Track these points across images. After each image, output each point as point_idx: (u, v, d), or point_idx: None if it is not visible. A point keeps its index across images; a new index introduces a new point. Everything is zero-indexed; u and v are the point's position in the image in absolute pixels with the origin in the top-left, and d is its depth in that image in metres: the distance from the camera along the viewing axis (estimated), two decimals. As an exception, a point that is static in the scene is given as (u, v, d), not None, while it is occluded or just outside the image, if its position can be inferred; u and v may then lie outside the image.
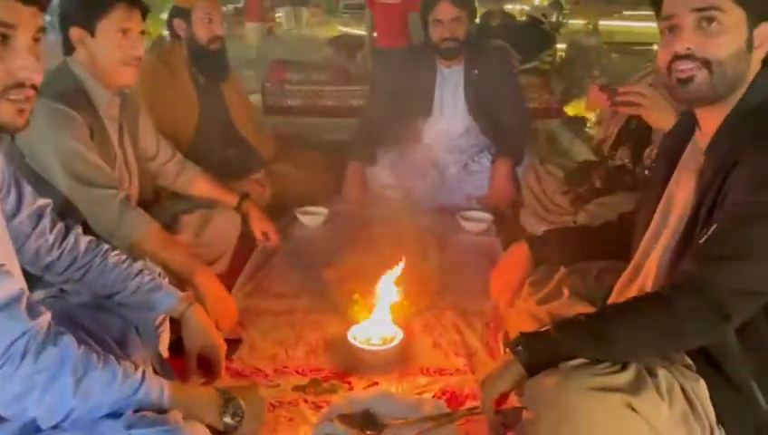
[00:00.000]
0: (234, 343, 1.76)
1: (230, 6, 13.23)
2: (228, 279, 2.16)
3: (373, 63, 4.69)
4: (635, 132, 2.14)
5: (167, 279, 1.53)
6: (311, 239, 2.54)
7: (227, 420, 1.19)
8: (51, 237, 1.33)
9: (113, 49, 1.75)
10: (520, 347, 1.26)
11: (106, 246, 1.45)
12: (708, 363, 1.23)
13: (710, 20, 1.18)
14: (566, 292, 1.60)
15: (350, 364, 1.68)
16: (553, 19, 7.21)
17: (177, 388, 1.17)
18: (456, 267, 2.19)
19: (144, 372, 1.12)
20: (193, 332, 1.47)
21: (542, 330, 1.30)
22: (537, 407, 1.21)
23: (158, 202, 2.17)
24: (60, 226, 1.37)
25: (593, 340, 1.22)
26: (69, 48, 1.78)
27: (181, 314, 1.47)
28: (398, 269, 1.77)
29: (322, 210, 2.68)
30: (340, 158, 2.98)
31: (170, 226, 2.06)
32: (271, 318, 1.94)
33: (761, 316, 1.19)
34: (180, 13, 2.49)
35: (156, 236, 1.76)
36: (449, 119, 2.92)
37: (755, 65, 1.23)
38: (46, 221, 1.32)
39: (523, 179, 2.59)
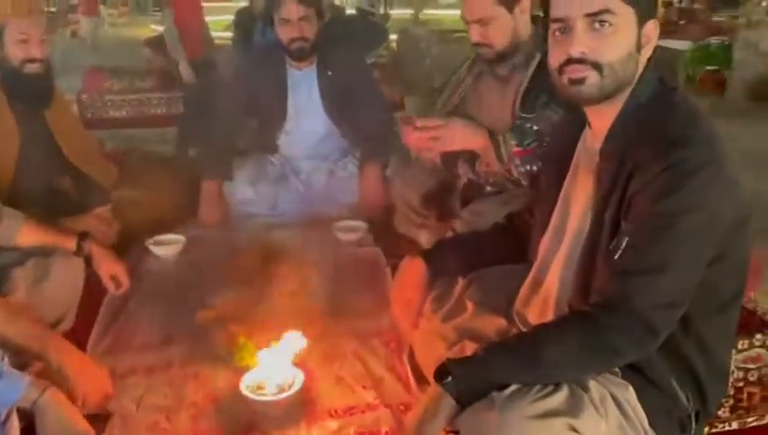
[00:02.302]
0: (100, 420, 1.46)
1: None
2: (78, 337, 1.84)
3: (208, 69, 4.38)
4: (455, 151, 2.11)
5: (6, 360, 1.23)
6: (170, 273, 2.25)
7: None
8: None
9: None
10: (449, 379, 1.16)
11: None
12: (631, 369, 1.22)
13: (602, 22, 1.17)
14: (470, 305, 1.53)
15: (249, 421, 1.47)
16: (381, 11, 7.28)
17: None
18: (342, 285, 2.04)
19: None
20: (51, 425, 1.20)
21: (470, 356, 1.23)
22: (477, 444, 1.11)
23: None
24: None
25: (526, 364, 1.16)
26: None
27: (33, 402, 1.18)
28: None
29: (179, 238, 2.39)
30: (190, 174, 2.69)
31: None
32: (141, 378, 1.65)
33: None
34: None
35: None
36: (307, 124, 2.74)
37: (642, 64, 1.24)
38: None
39: (393, 186, 2.49)
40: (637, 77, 1.24)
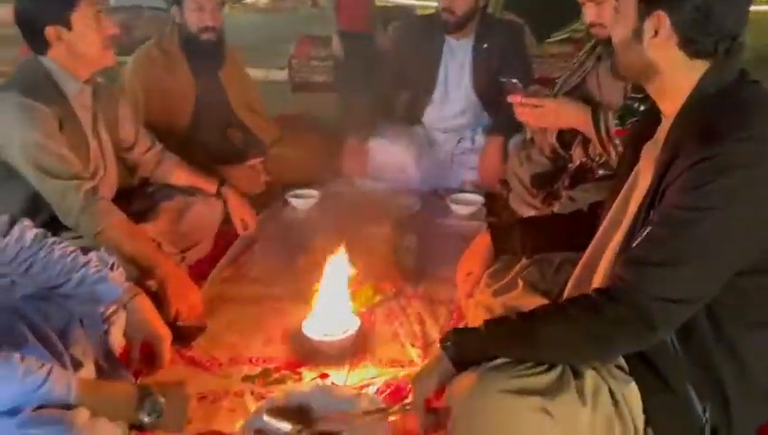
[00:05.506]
0: (197, 331, 1.77)
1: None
2: (213, 263, 2.19)
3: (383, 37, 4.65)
4: (569, 131, 2.08)
5: (120, 270, 1.55)
6: (300, 223, 2.52)
7: (144, 417, 1.21)
8: None
9: (93, 35, 1.77)
10: (449, 343, 1.23)
11: (52, 239, 1.48)
12: (646, 364, 1.17)
13: None
14: (520, 283, 1.55)
15: (304, 355, 1.67)
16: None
17: (87, 385, 1.19)
18: (436, 253, 2.13)
19: (50, 370, 1.14)
20: (134, 322, 1.50)
21: (473, 327, 1.28)
22: (455, 407, 1.18)
23: (141, 189, 2.21)
24: (4, 218, 1.41)
25: (520, 341, 1.19)
26: (42, 47, 1.77)
27: (125, 304, 1.50)
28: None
29: (314, 193, 2.66)
30: (338, 139, 2.95)
31: (150, 212, 2.11)
32: (237, 306, 1.94)
33: (703, 319, 1.13)
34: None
35: (119, 227, 1.78)
36: (452, 93, 2.83)
37: (663, 53, 1.15)
38: None
39: (509, 163, 2.50)
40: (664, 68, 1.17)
